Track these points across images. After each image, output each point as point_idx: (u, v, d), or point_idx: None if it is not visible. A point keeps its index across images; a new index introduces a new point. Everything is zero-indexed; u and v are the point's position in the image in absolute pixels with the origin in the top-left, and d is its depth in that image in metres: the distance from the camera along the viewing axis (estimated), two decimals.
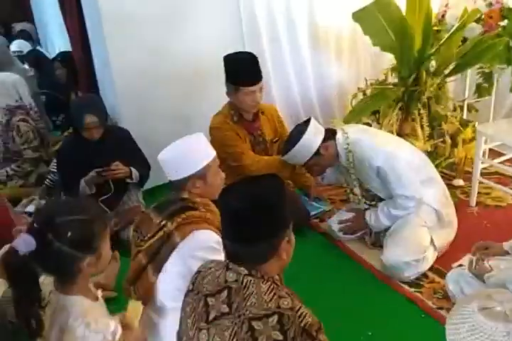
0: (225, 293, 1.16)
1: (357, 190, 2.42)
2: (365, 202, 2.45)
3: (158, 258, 1.56)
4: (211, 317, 1.16)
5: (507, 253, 1.84)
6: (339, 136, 2.32)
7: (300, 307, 1.12)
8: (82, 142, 2.50)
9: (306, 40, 3.35)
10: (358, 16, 2.82)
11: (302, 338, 1.07)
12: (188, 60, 3.01)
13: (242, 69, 2.38)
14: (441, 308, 2.01)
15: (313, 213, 2.74)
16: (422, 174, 2.30)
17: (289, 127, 2.73)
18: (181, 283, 1.50)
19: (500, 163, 2.83)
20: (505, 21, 2.78)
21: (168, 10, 2.89)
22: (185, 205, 1.61)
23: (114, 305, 2.12)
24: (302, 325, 1.08)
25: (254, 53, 2.48)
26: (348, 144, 2.28)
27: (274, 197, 1.18)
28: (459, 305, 0.96)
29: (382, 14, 2.73)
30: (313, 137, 2.27)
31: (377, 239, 2.45)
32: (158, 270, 1.55)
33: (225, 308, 1.15)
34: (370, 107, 2.82)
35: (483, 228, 2.56)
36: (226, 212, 1.20)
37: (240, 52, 2.45)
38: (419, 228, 2.26)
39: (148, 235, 1.60)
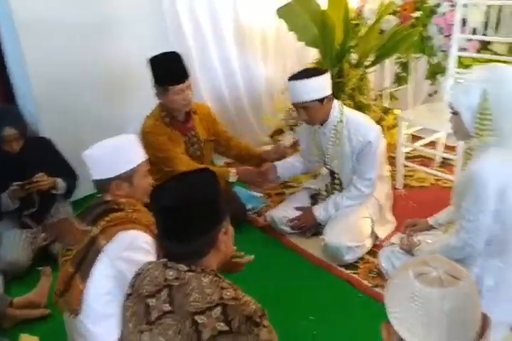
0: (165, 291, 1.14)
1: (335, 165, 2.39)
2: (330, 184, 2.47)
3: (84, 264, 1.49)
4: (153, 317, 1.13)
5: (432, 227, 1.97)
6: (336, 104, 2.31)
7: (243, 296, 1.13)
8: (1, 155, 2.35)
9: (232, 37, 3.35)
10: (282, 13, 2.88)
11: (247, 326, 1.07)
12: (113, 64, 2.90)
13: (167, 69, 2.33)
14: (376, 286, 2.11)
15: (250, 207, 2.76)
16: (379, 169, 2.41)
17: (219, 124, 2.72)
18: (111, 287, 1.46)
19: (421, 146, 3.00)
20: (419, 12, 2.97)
21: (89, 13, 2.76)
22: (108, 208, 1.55)
23: (50, 322, 2.01)
24: (246, 313, 1.08)
25: (180, 52, 2.43)
26: (341, 114, 2.30)
27: (207, 192, 1.18)
28: (395, 273, 0.96)
29: (304, 10, 2.80)
30: (328, 83, 2.24)
31: (317, 231, 2.49)
32: (86, 276, 1.48)
33: (167, 307, 1.12)
34: None
35: (411, 207, 2.71)
36: (158, 211, 1.18)
37: (162, 52, 2.40)
38: (363, 218, 2.36)
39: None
